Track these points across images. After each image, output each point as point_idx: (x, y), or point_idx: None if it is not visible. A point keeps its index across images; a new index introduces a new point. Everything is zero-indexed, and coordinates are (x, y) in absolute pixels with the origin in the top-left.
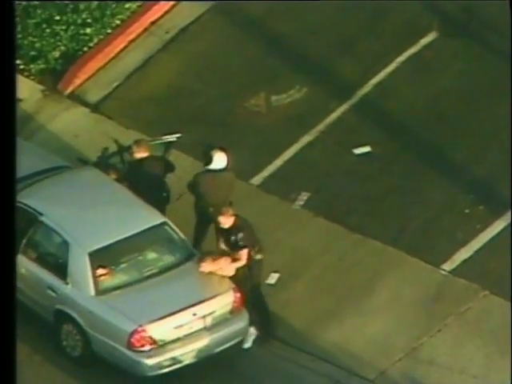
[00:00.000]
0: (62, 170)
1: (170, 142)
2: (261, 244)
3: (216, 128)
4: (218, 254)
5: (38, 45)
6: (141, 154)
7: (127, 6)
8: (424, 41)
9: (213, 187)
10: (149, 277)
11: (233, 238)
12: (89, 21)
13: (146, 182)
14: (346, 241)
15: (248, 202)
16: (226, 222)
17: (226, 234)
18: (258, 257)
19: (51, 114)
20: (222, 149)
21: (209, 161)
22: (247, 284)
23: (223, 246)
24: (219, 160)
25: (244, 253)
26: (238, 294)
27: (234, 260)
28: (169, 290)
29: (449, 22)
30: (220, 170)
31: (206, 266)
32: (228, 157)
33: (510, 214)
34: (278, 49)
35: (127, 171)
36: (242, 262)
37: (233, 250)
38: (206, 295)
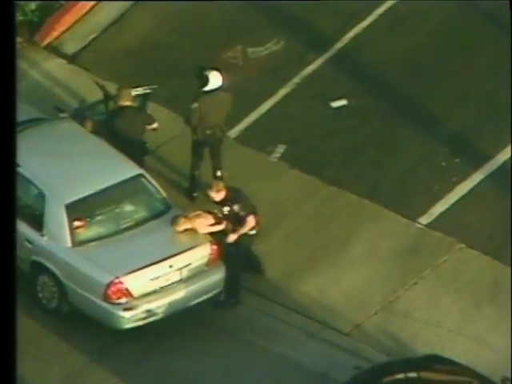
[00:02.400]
0: (39, 121)
1: (147, 93)
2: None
3: (192, 81)
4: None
5: None
6: (123, 101)
7: None
8: None
9: (211, 108)
10: (125, 229)
11: (226, 209)
12: None
13: (126, 131)
14: (322, 193)
15: (225, 155)
16: (217, 196)
17: (219, 205)
18: (252, 232)
19: (28, 66)
20: (216, 68)
21: (205, 82)
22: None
23: (219, 214)
24: (215, 79)
25: (251, 219)
26: (215, 247)
27: (215, 224)
28: (145, 242)
29: None
30: (217, 90)
31: (181, 226)
32: (224, 76)
33: (485, 166)
34: (255, 1)
35: (108, 118)
36: (245, 228)
37: (233, 221)
38: (182, 247)
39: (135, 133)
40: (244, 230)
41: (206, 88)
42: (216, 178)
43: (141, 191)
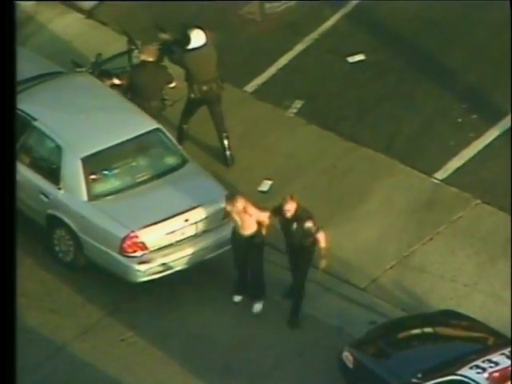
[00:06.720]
0: (56, 75)
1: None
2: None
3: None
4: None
5: None
6: (146, 57)
7: None
8: None
9: (197, 65)
10: (141, 183)
11: (295, 226)
12: None
13: (146, 87)
14: (338, 148)
15: (241, 109)
16: (290, 212)
17: (286, 222)
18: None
19: (45, 20)
20: (199, 27)
21: (187, 41)
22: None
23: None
24: (197, 38)
25: (323, 236)
26: None
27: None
28: (161, 196)
29: None
30: (200, 47)
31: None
32: (207, 34)
33: (502, 123)
34: None
35: (130, 72)
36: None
37: (302, 237)
38: (198, 202)
39: (155, 89)
40: (323, 245)
41: (189, 47)
42: (224, 149)
43: (157, 145)
